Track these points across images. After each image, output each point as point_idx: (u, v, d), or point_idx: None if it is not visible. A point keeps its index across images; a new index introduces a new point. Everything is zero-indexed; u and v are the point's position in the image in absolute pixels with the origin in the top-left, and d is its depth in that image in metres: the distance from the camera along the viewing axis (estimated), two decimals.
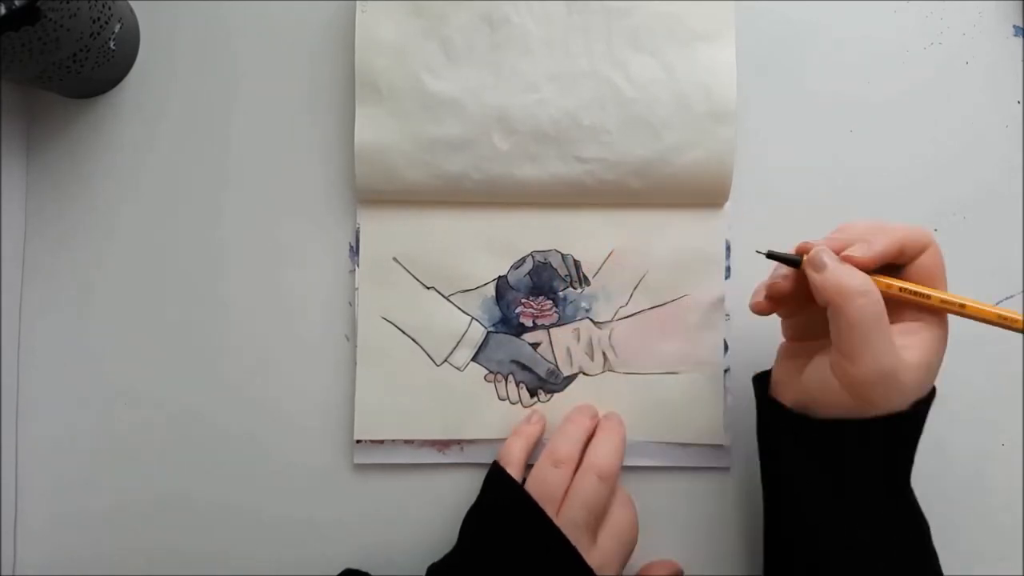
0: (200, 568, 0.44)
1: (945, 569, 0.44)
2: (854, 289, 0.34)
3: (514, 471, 0.41)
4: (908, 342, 0.35)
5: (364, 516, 0.44)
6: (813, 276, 0.35)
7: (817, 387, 0.36)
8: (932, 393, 0.36)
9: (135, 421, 0.45)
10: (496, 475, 0.41)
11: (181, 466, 0.45)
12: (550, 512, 0.38)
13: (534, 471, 0.40)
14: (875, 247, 0.35)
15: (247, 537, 0.44)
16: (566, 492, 0.39)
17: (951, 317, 0.36)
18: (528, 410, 0.44)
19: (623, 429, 0.43)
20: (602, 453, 0.41)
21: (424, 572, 0.39)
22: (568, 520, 0.38)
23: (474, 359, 0.45)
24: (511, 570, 0.37)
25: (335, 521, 0.44)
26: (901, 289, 0.35)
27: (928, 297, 0.35)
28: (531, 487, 0.39)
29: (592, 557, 0.38)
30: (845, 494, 0.36)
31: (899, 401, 0.35)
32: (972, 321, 0.35)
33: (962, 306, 0.35)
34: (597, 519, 0.39)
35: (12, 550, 0.44)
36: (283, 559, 0.43)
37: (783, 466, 0.38)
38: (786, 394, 0.38)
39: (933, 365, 0.35)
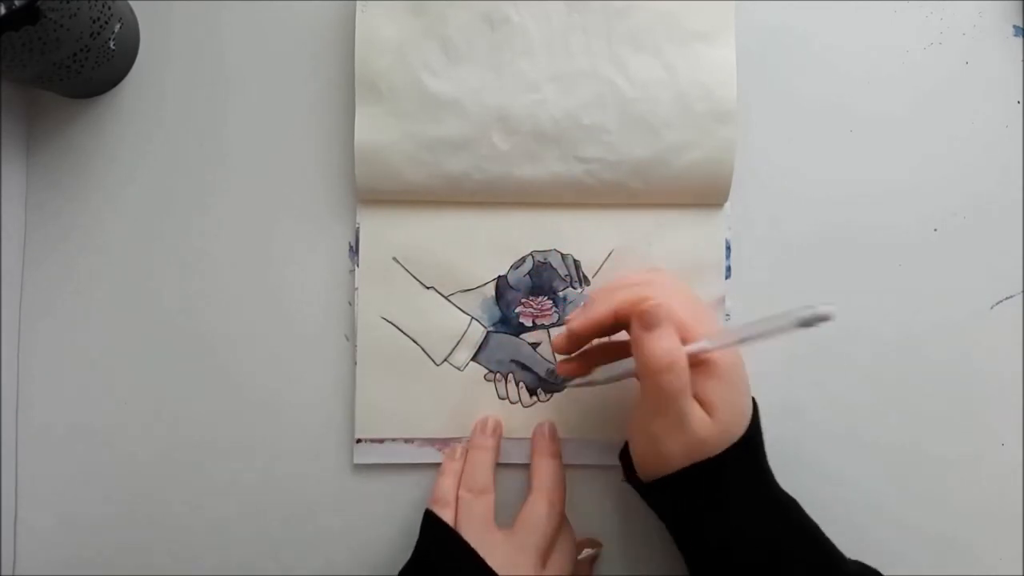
0: (200, 567, 0.44)
1: (945, 569, 0.44)
2: (662, 364, 0.35)
3: (449, 512, 0.40)
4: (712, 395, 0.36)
5: (364, 516, 0.44)
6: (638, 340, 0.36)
7: (660, 461, 0.37)
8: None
9: (135, 420, 0.45)
10: (429, 522, 0.40)
11: (181, 465, 0.45)
12: (491, 540, 0.39)
13: (460, 506, 0.40)
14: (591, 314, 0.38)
15: (247, 536, 0.44)
16: (517, 518, 0.40)
17: None
18: (452, 447, 0.44)
19: (557, 446, 0.43)
20: (546, 478, 0.41)
21: None
22: (521, 544, 0.39)
23: (474, 359, 0.45)
24: None
25: (335, 520, 0.44)
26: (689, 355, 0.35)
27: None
28: (462, 522, 0.40)
29: None
30: (730, 514, 0.36)
31: (729, 438, 0.36)
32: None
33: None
34: (548, 543, 0.40)
35: (12, 550, 0.44)
36: (283, 558, 0.43)
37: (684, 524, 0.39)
38: (645, 470, 0.38)
39: (738, 404, 0.37)
